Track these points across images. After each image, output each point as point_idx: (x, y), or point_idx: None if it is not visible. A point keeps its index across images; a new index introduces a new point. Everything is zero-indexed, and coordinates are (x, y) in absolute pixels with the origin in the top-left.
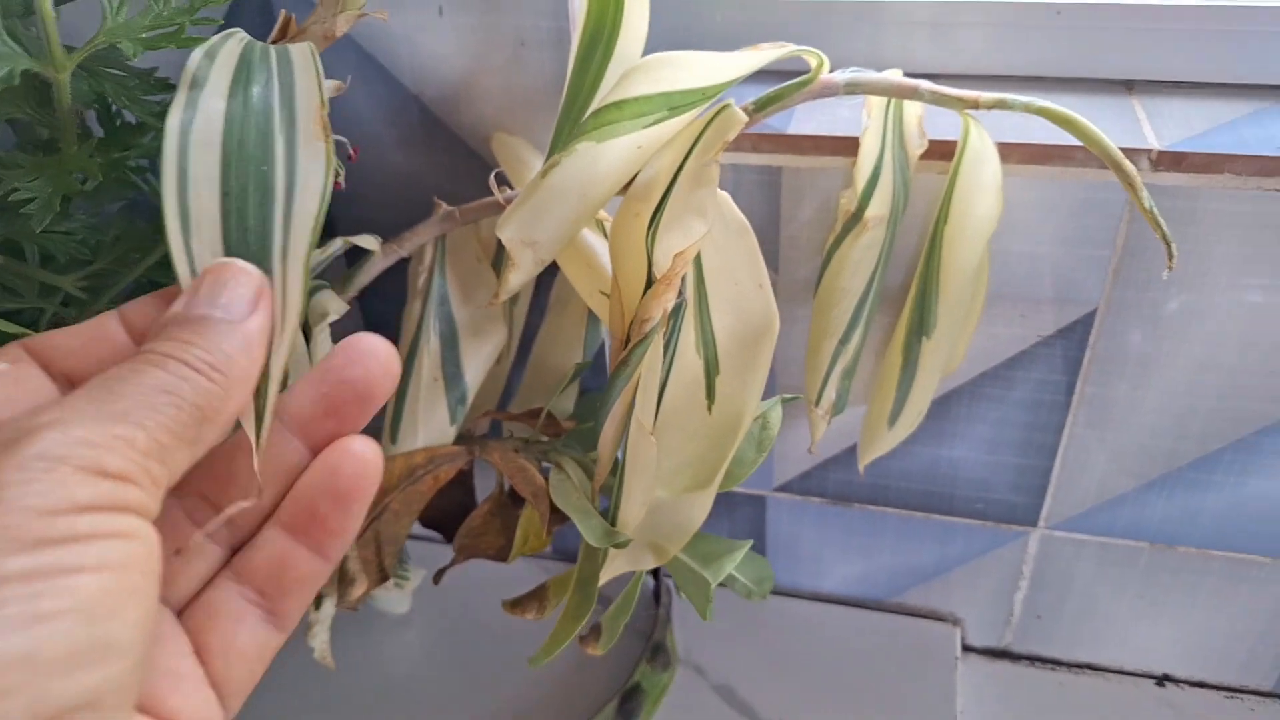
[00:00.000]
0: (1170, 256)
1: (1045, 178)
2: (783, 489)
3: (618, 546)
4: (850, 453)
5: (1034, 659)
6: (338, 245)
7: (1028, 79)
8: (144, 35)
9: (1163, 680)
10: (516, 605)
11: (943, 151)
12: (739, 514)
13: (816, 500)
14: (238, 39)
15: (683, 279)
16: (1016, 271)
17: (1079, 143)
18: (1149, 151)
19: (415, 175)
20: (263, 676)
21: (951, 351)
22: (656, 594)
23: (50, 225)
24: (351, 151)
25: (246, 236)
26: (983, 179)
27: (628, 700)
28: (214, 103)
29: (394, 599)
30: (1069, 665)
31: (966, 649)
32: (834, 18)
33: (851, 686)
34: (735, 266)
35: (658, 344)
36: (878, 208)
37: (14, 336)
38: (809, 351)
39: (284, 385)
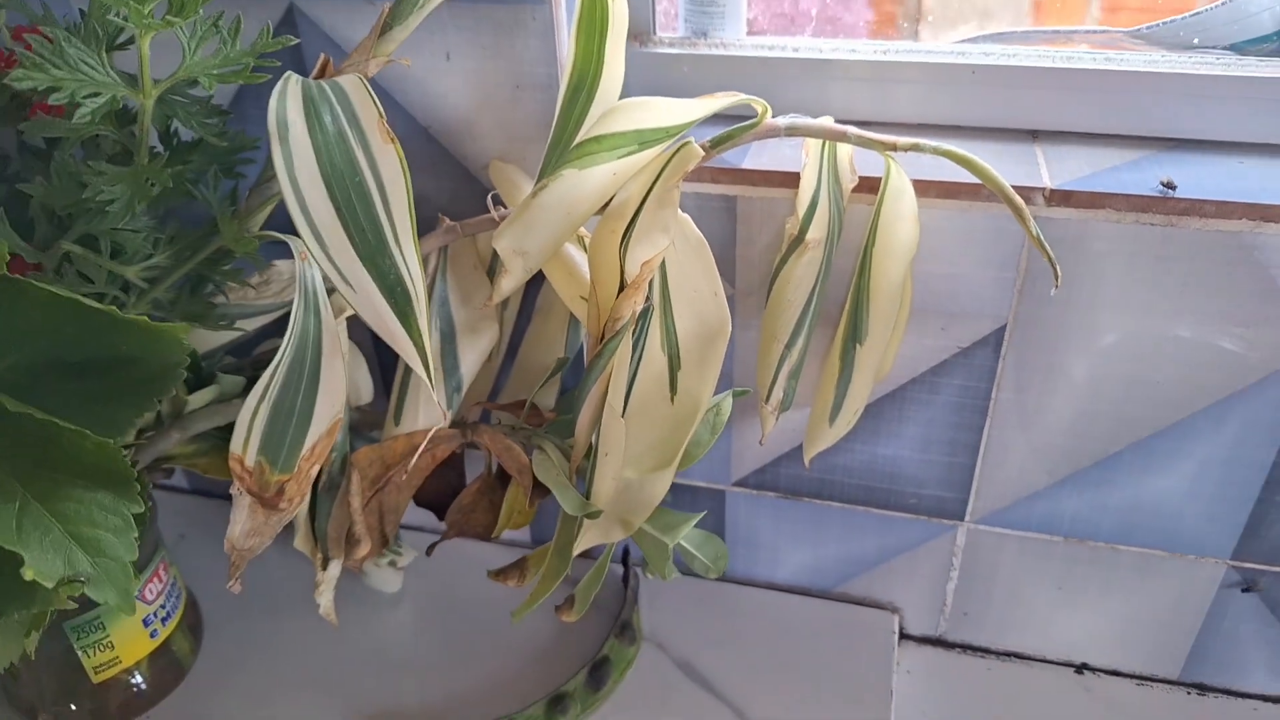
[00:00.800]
0: (1056, 277)
1: (957, 209)
2: (740, 484)
3: (590, 517)
4: (799, 451)
5: (965, 647)
6: None
7: (949, 127)
8: (216, 71)
9: (1081, 668)
10: (500, 574)
11: (871, 186)
12: (700, 507)
13: (770, 494)
14: (295, 81)
15: (650, 287)
16: (938, 290)
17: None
18: (1043, 189)
19: (423, 196)
20: (261, 648)
21: (882, 357)
22: (625, 579)
23: (122, 224)
24: None
25: (365, 235)
26: (902, 209)
27: (596, 670)
28: (301, 138)
29: (387, 578)
30: (997, 653)
31: (904, 636)
32: (787, 71)
33: (799, 666)
34: (694, 276)
35: (628, 340)
36: (816, 231)
37: (88, 310)
38: (760, 354)
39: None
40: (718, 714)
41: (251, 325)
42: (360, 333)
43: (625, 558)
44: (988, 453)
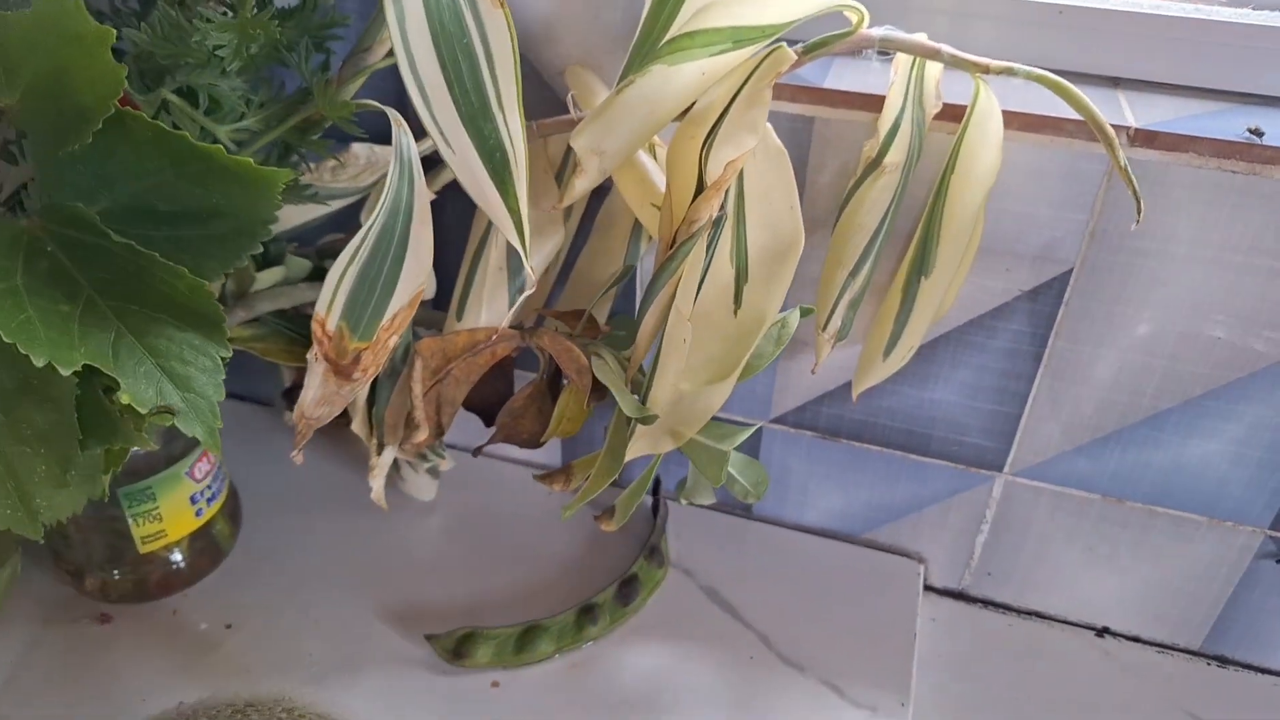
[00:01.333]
0: (1139, 210)
1: (1038, 145)
2: (778, 420)
3: (644, 421)
4: (843, 390)
5: (987, 602)
6: (429, 144)
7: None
8: None
9: (1103, 632)
10: (547, 477)
11: (953, 115)
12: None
13: (809, 434)
14: None
15: (726, 195)
16: (1007, 228)
17: (1070, 115)
18: (1128, 128)
19: None
20: (295, 543)
21: (945, 293)
22: (655, 508)
23: (218, 80)
24: None
25: (469, 96)
26: (988, 134)
27: (625, 586)
28: None
29: (423, 485)
30: (1018, 610)
31: (927, 588)
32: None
33: (823, 605)
34: (771, 188)
35: (702, 245)
36: (896, 155)
37: (193, 150)
38: (822, 280)
39: None
40: (743, 638)
41: (328, 206)
42: None
43: (655, 488)
44: (1035, 403)
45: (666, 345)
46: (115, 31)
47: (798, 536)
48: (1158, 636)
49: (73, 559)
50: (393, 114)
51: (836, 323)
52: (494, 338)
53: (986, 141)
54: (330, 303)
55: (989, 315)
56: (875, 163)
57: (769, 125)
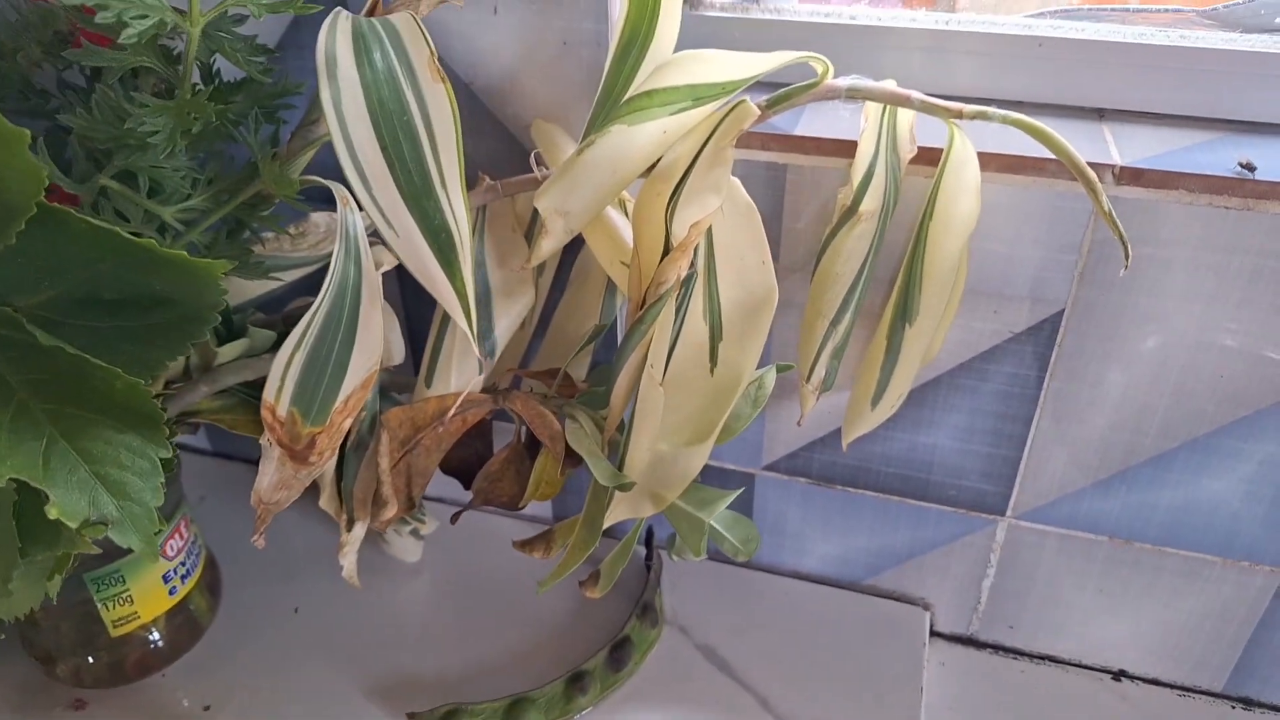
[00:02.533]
0: (1126, 255)
1: (1020, 185)
2: (771, 468)
3: (622, 488)
4: (835, 435)
5: (998, 648)
6: None
7: (1010, 103)
8: (265, 1)
9: (1119, 675)
10: (526, 544)
11: (930, 158)
12: (730, 489)
13: (802, 480)
14: (345, 17)
15: (695, 253)
16: (993, 270)
17: (1051, 155)
18: (1113, 166)
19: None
20: (277, 615)
21: (931, 339)
22: (648, 560)
23: (161, 161)
24: None
25: (411, 176)
26: (964, 180)
27: (617, 650)
28: (350, 74)
29: (408, 547)
30: (1030, 655)
31: (934, 634)
32: (841, 39)
33: (824, 658)
34: (742, 244)
35: (671, 306)
36: (871, 202)
37: (127, 244)
38: (803, 331)
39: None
40: (741, 702)
41: (286, 278)
42: (390, 293)
43: (649, 540)
44: (1034, 445)
45: (640, 408)
46: (29, 133)
47: (797, 585)
48: (1177, 678)
49: (43, 645)
50: (338, 190)
51: (820, 373)
52: (463, 404)
53: (964, 187)
54: (279, 389)
55: (979, 358)
56: (850, 211)
57: (736, 181)
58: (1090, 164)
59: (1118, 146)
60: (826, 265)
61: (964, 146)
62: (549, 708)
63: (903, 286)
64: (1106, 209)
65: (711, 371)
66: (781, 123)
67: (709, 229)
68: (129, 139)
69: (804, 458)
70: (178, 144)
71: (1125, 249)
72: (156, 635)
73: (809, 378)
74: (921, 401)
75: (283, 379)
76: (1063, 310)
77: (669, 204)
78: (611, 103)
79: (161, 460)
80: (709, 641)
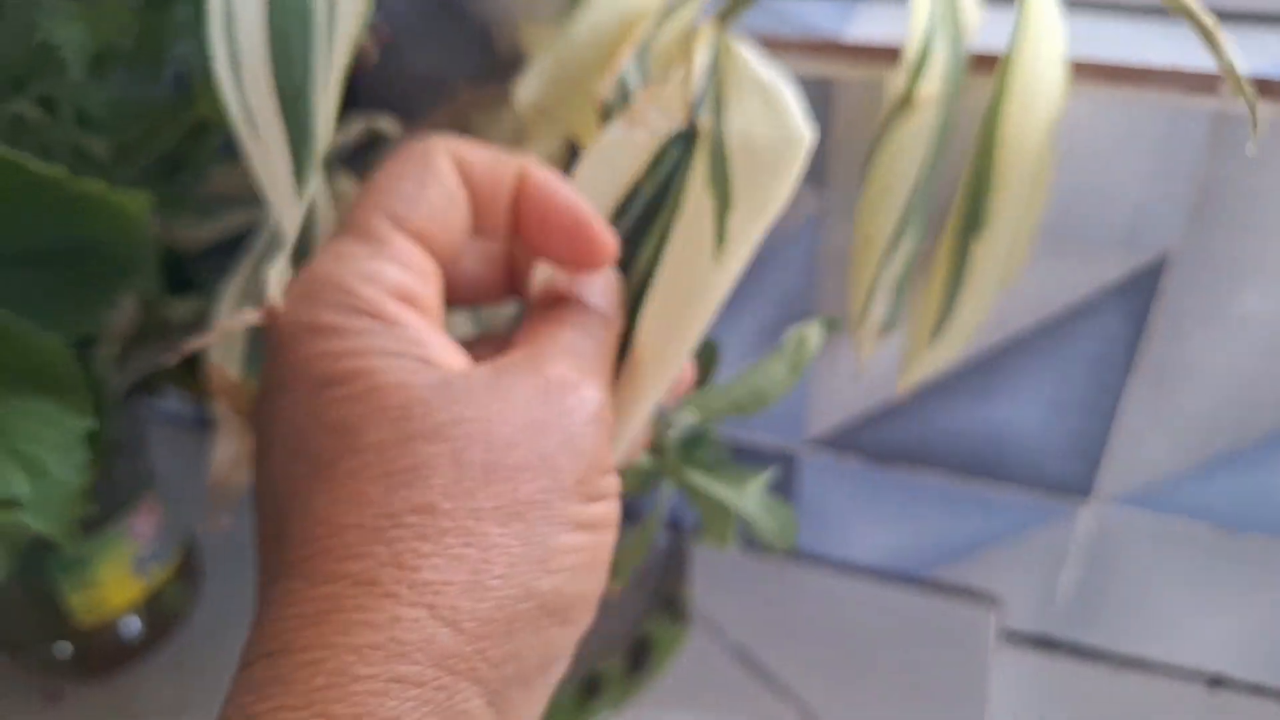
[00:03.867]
0: (1254, 125)
1: (1118, 101)
2: (814, 442)
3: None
4: (889, 404)
5: (1075, 648)
6: (359, 128)
7: (1105, 6)
8: None
9: (1215, 681)
10: None
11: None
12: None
13: (851, 457)
14: None
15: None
16: (1083, 209)
17: (1157, 63)
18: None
19: (438, 70)
20: None
21: (1008, 257)
22: (672, 548)
23: (88, 89)
24: (386, 34)
25: (291, 74)
26: (1048, 49)
27: (637, 650)
28: None
29: None
30: (1112, 657)
31: (1003, 634)
32: None
33: (876, 661)
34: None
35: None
36: (929, 86)
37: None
38: (853, 260)
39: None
40: (779, 711)
41: (236, 220)
42: None
43: (675, 525)
44: (1126, 419)
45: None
46: None
47: (844, 577)
48: None
49: (10, 633)
50: None
51: (878, 311)
52: None
53: (1046, 56)
54: (227, 348)
55: (1065, 316)
56: (904, 101)
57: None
58: (1202, 74)
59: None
60: (876, 174)
61: (1044, 3)
62: (556, 716)
63: (969, 185)
64: (1228, 62)
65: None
66: (827, 23)
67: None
68: (43, 57)
69: (854, 431)
70: (91, 54)
71: (1254, 115)
72: (129, 625)
73: (862, 319)
74: (995, 367)
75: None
76: (1167, 258)
77: None
78: None
79: (88, 433)
80: (743, 641)
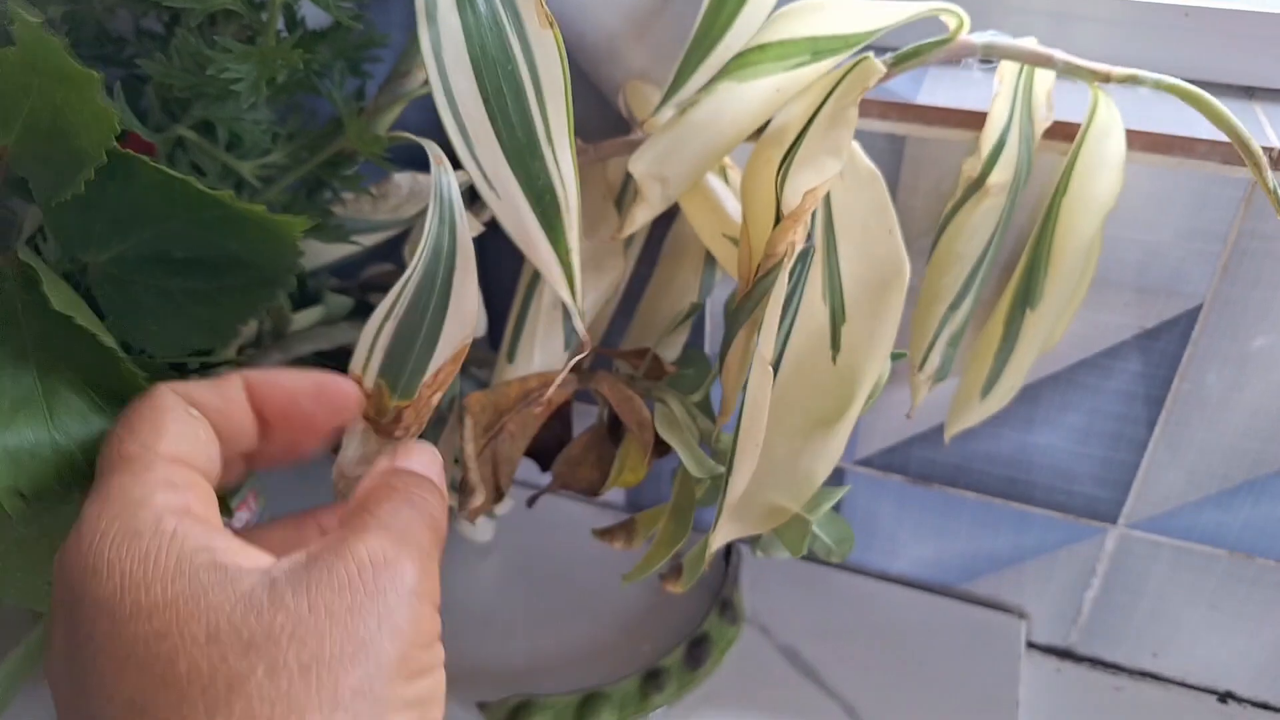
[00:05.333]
0: None
1: (1165, 167)
2: (864, 463)
3: (712, 479)
4: (936, 431)
5: (1096, 661)
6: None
7: None
8: None
9: (1225, 697)
10: (606, 533)
11: (1066, 133)
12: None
13: (897, 477)
14: None
15: (812, 224)
16: (1126, 258)
17: (1202, 135)
18: (1270, 149)
19: None
20: None
21: (1052, 328)
22: (727, 555)
23: (241, 113)
24: None
25: (515, 132)
26: (1106, 153)
27: (695, 646)
28: (450, 19)
29: (480, 528)
30: (1130, 671)
31: (1030, 645)
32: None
33: (913, 665)
34: (865, 213)
35: (783, 279)
36: (1001, 175)
37: (202, 197)
38: (916, 316)
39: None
40: (825, 708)
41: (364, 241)
42: None
43: None
44: (1156, 450)
45: (751, 400)
46: (99, 75)
47: (886, 587)
48: None
49: None
50: (431, 148)
51: (935, 361)
52: (547, 385)
53: (1105, 159)
54: (366, 361)
55: (1103, 354)
56: (978, 184)
57: (857, 145)
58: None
59: (1274, 127)
60: (947, 243)
61: (1109, 113)
62: (624, 704)
63: (1027, 267)
64: (1272, 186)
65: (834, 359)
66: (902, 89)
67: (827, 198)
68: (208, 87)
69: (901, 453)
70: (261, 94)
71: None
72: None
73: (922, 366)
74: (1036, 398)
75: (370, 349)
76: (1200, 305)
77: (780, 170)
78: (701, 54)
79: None
80: (791, 643)
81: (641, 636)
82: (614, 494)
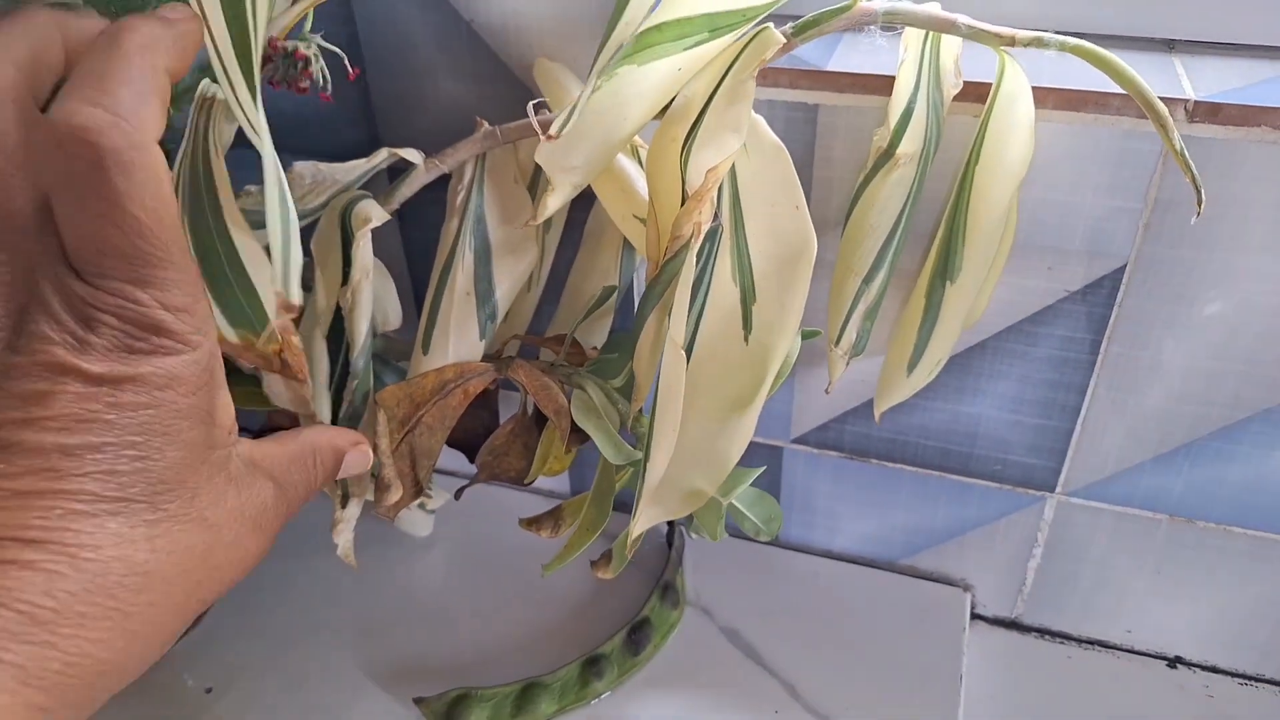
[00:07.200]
0: (1199, 201)
1: (1079, 125)
2: (800, 441)
3: (632, 465)
4: (869, 406)
5: (1043, 631)
6: (383, 157)
7: (1067, 34)
8: None
9: (1175, 662)
10: (533, 523)
11: (977, 94)
12: (755, 464)
13: (833, 454)
14: None
15: (719, 203)
16: (1046, 221)
17: (1116, 89)
18: (1185, 102)
19: (460, 100)
20: (283, 593)
21: (975, 300)
22: (669, 537)
23: None
24: (350, 70)
25: None
26: (1016, 117)
27: (636, 632)
28: None
29: (417, 521)
30: (1079, 640)
31: (976, 617)
32: None
33: (856, 642)
34: (771, 189)
35: (690, 261)
36: (909, 144)
37: None
38: (832, 290)
39: None
40: (766, 687)
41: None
42: (391, 251)
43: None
44: (1089, 416)
45: (665, 385)
46: None
47: (828, 564)
48: (1239, 666)
49: None
50: None
51: (851, 336)
52: (463, 375)
53: (1015, 125)
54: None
55: (1030, 320)
56: (887, 154)
57: (760, 119)
58: (1161, 98)
59: (1190, 80)
60: (859, 216)
61: (1016, 78)
62: (563, 693)
63: (944, 240)
64: (1178, 147)
65: (746, 339)
66: (812, 56)
67: (733, 175)
68: None
69: (835, 430)
70: None
71: (1198, 193)
72: None
73: (838, 341)
74: (965, 369)
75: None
76: (1124, 266)
77: (684, 147)
78: (617, 39)
79: None
80: (734, 624)
81: (582, 623)
82: (558, 482)
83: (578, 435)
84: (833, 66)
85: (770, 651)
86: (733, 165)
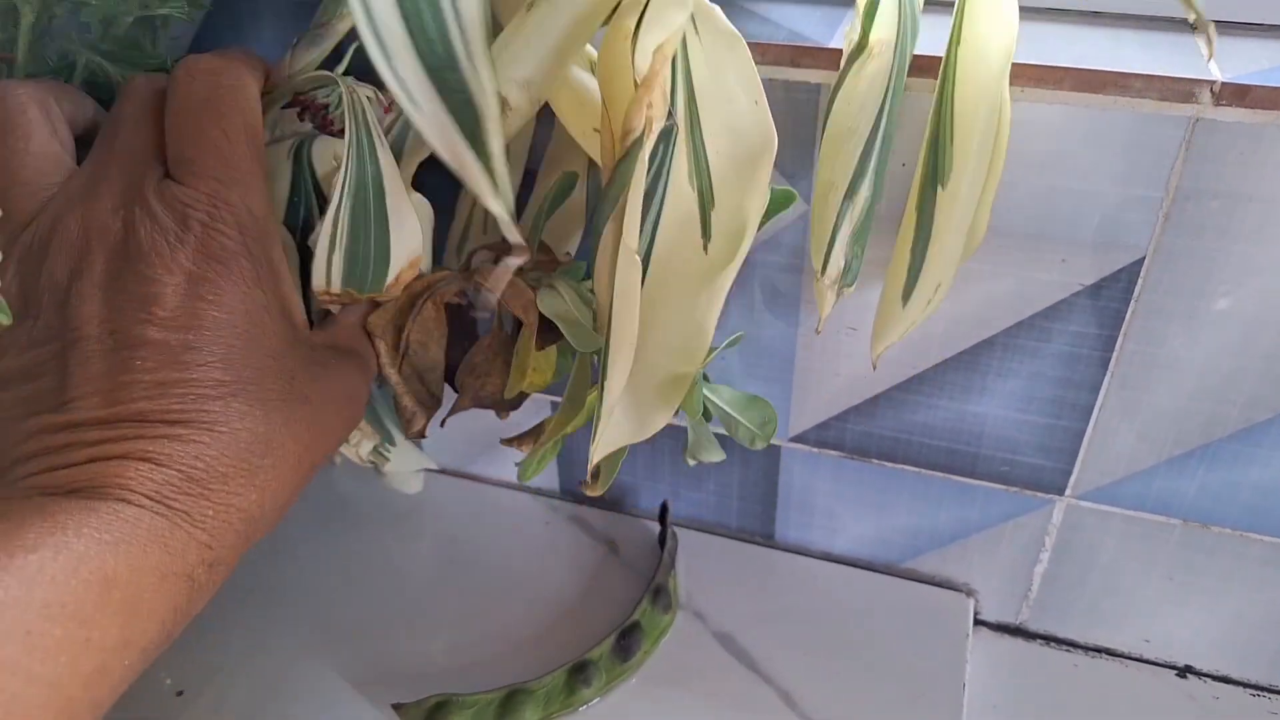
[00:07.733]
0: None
1: (1098, 107)
2: (798, 439)
3: (596, 352)
4: (869, 403)
5: (1049, 639)
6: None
7: (1086, 13)
8: None
9: (1185, 671)
10: (515, 439)
11: None
12: (752, 464)
13: (833, 453)
14: None
15: (673, 100)
16: (1060, 211)
17: (1137, 69)
18: (1211, 83)
19: None
20: (260, 593)
21: (975, 211)
22: (662, 539)
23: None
24: (385, 104)
25: (433, 48)
26: None
27: (625, 637)
28: None
29: (407, 477)
30: (1085, 648)
31: (979, 623)
32: None
33: (855, 649)
34: (728, 82)
35: (643, 161)
36: (882, 31)
37: None
38: (813, 209)
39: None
40: (761, 695)
41: None
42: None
43: (663, 515)
44: (1101, 416)
45: (620, 295)
46: None
47: (826, 567)
48: (1252, 677)
49: None
50: (344, 81)
51: (839, 263)
52: (432, 286)
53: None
54: (327, 275)
55: (1042, 315)
56: (860, 46)
57: (715, 7)
58: (1181, 80)
59: (1216, 61)
60: (836, 119)
61: None
62: (549, 700)
63: (930, 139)
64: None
65: (705, 247)
66: (815, 34)
67: (688, 70)
68: None
69: (836, 428)
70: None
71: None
72: None
73: (824, 269)
74: (972, 366)
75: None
76: (1142, 259)
77: (633, 38)
78: None
79: None
80: (727, 629)
81: (570, 627)
82: (548, 479)
83: (548, 331)
84: (835, 44)
85: (766, 657)
86: (687, 61)
